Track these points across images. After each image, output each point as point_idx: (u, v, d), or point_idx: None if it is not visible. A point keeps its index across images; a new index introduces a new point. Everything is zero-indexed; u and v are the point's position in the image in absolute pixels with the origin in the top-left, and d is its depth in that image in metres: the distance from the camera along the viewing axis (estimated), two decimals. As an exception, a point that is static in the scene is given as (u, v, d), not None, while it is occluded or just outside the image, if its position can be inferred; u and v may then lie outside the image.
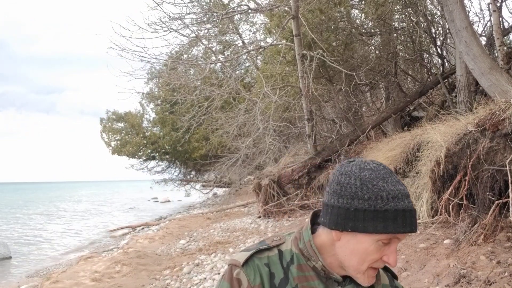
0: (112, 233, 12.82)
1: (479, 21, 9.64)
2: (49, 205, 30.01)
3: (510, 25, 7.78)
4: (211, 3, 11.22)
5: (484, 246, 3.43)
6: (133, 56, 9.22)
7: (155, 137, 20.19)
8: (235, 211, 12.21)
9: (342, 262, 0.99)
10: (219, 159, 12.85)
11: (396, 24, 9.40)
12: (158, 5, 8.46)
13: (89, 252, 9.30)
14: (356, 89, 9.07)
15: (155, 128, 20.74)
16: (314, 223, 1.06)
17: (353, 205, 0.92)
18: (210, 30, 11.80)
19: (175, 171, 22.97)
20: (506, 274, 2.97)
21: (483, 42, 7.66)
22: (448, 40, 9.13)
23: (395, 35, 9.20)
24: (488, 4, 7.49)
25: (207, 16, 10.54)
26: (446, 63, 8.70)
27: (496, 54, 7.06)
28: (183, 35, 10.23)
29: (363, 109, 10.81)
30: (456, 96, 7.23)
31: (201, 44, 12.62)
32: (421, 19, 8.27)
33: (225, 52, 13.79)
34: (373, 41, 9.88)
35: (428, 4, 8.59)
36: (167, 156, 21.40)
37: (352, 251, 0.96)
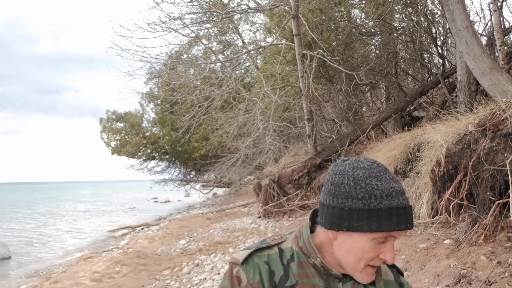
0: (112, 233, 12.81)
1: (480, 21, 9.67)
2: (49, 205, 30.01)
3: (510, 24, 7.77)
4: (211, 3, 11.21)
5: (485, 246, 3.42)
6: (132, 56, 9.21)
7: (155, 137, 20.17)
8: (235, 211, 12.20)
9: (340, 261, 0.99)
10: (219, 159, 12.83)
11: (396, 24, 9.39)
12: (158, 4, 8.45)
13: (89, 252, 9.28)
14: (356, 89, 9.05)
15: (155, 128, 20.73)
16: (315, 222, 1.07)
17: (347, 204, 0.93)
18: (210, 30, 11.80)
19: (175, 171, 22.96)
20: (507, 274, 2.96)
21: (484, 42, 7.63)
22: (449, 40, 9.12)
23: (395, 34, 9.18)
24: (489, 4, 7.47)
25: (207, 15, 10.53)
26: (447, 63, 8.69)
27: (496, 54, 7.05)
28: (183, 35, 10.23)
29: (363, 109, 10.79)
30: (456, 96, 7.22)
31: (201, 44, 12.62)
32: (422, 18, 8.26)
33: (225, 52, 13.78)
34: (373, 40, 9.87)
35: (428, 3, 8.58)
36: (167, 156, 21.39)
37: (348, 250, 0.97)
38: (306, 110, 8.67)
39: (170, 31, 9.09)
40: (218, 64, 12.69)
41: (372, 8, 8.12)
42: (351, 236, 0.95)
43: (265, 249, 1.04)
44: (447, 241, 3.84)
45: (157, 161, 21.99)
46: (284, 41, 8.99)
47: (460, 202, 4.05)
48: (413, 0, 8.48)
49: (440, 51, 8.61)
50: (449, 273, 3.23)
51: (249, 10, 9.74)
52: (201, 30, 11.13)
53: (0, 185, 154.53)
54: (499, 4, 6.97)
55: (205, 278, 5.43)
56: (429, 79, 9.06)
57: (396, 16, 9.50)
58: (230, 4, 11.58)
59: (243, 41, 13.95)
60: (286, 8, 8.73)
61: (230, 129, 10.97)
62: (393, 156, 5.51)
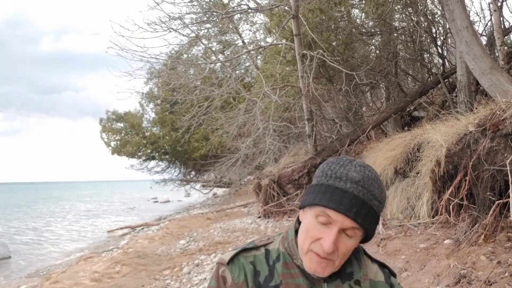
0: (111, 233, 12.81)
1: (480, 21, 9.68)
2: (49, 205, 30.00)
3: (510, 24, 7.77)
4: (211, 3, 11.21)
5: (485, 246, 3.42)
6: (132, 56, 9.20)
7: (155, 137, 20.16)
8: (235, 211, 12.19)
9: None
10: (219, 159, 12.83)
11: (396, 24, 9.39)
12: (158, 4, 8.44)
13: (88, 252, 9.28)
14: (356, 89, 9.05)
15: (154, 128, 20.72)
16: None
17: (312, 184, 1.01)
18: (210, 30, 11.79)
19: (175, 171, 22.95)
20: (507, 274, 2.96)
21: (484, 42, 7.64)
22: (449, 40, 9.12)
23: (395, 34, 9.18)
24: (489, 4, 7.48)
25: (207, 15, 10.52)
26: (447, 63, 8.69)
27: (496, 54, 7.05)
28: (183, 35, 10.22)
29: (363, 109, 10.79)
30: (456, 96, 7.22)
31: (201, 44, 12.62)
32: (422, 18, 8.26)
33: (225, 52, 13.78)
34: (373, 40, 9.86)
35: (428, 3, 8.58)
36: (167, 156, 21.38)
37: (301, 230, 1.01)
38: (306, 110, 8.67)
39: (170, 31, 9.08)
40: (218, 64, 12.69)
41: (372, 8, 8.12)
42: (305, 214, 1.00)
43: (251, 249, 1.06)
44: (447, 241, 3.84)
45: (157, 161, 21.98)
46: (284, 41, 8.99)
47: (460, 202, 4.05)
48: (413, 0, 8.48)
49: (440, 51, 8.61)
50: (449, 273, 3.23)
51: (249, 10, 9.74)
52: (201, 30, 11.13)
53: (0, 185, 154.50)
54: (499, 4, 6.97)
55: (205, 278, 5.42)
56: (429, 79, 9.06)
57: (396, 16, 9.50)
58: (230, 4, 11.59)
59: (243, 41, 13.96)
60: (286, 8, 8.73)
61: (230, 129, 10.97)
62: (393, 156, 5.50)
